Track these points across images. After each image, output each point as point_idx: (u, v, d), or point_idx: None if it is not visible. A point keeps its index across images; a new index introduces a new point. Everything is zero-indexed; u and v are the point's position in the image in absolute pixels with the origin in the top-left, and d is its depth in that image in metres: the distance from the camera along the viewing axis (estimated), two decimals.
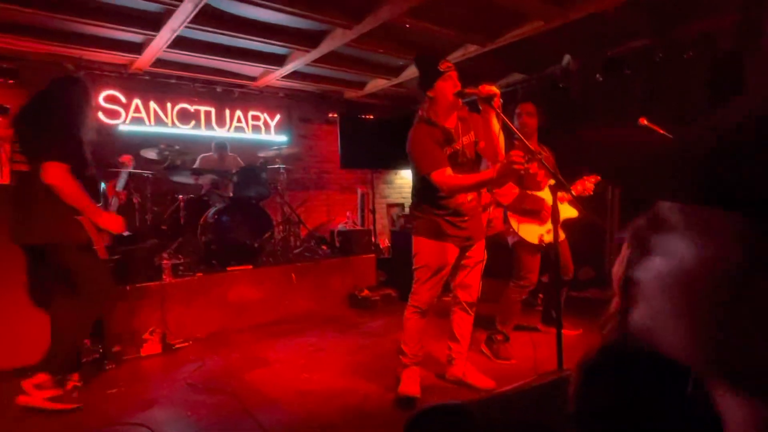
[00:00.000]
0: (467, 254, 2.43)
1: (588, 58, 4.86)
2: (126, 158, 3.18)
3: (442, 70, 2.25)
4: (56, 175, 2.37)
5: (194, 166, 4.74)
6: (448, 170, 2.16)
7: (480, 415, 1.54)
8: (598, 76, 4.74)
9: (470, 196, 2.38)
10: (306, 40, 4.38)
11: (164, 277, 3.61)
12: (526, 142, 2.00)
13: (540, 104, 3.32)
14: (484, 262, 2.50)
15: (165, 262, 3.67)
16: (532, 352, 2.51)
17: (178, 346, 3.46)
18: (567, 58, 5.08)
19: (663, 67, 4.35)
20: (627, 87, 4.51)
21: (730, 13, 3.86)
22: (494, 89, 2.05)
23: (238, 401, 2.49)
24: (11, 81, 4.20)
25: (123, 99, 4.99)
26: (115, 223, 2.59)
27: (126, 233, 3.95)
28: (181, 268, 3.83)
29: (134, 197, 4.20)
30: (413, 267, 2.39)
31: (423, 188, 2.35)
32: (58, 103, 2.55)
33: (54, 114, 2.51)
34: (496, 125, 2.18)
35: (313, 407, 2.39)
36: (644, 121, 3.37)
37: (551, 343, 2.28)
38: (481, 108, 2.13)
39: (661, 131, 3.32)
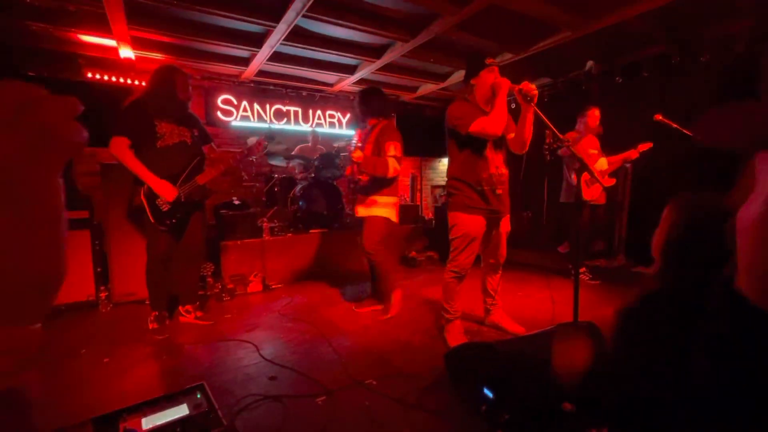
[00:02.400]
0: (496, 226, 2.31)
1: (609, 62, 4.43)
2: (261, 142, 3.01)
3: (487, 63, 2.13)
4: (114, 147, 2.31)
5: (293, 153, 4.79)
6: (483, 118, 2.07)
7: (502, 350, 1.48)
8: (618, 78, 4.31)
9: (501, 169, 2.21)
10: (372, 52, 4.29)
11: (264, 235, 3.76)
12: (555, 131, 1.86)
13: (564, 105, 3.18)
14: (509, 232, 2.38)
15: (264, 224, 3.81)
16: (552, 307, 2.39)
17: (273, 286, 3.62)
18: (590, 63, 4.65)
19: (679, 70, 3.88)
20: (644, 89, 4.08)
21: (745, 17, 3.34)
22: (535, 89, 1.90)
23: (317, 329, 2.57)
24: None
25: (234, 101, 5.16)
26: (166, 191, 2.37)
27: (237, 202, 4.15)
28: (275, 229, 3.97)
29: (243, 175, 4.38)
30: (450, 237, 2.27)
31: (460, 163, 2.20)
32: (144, 88, 2.47)
33: (132, 97, 2.46)
34: (530, 119, 2.03)
35: (372, 338, 2.42)
36: (659, 117, 3.04)
37: (565, 300, 2.25)
38: (520, 103, 1.98)
39: (675, 125, 2.99)
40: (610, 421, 1.02)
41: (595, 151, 3.50)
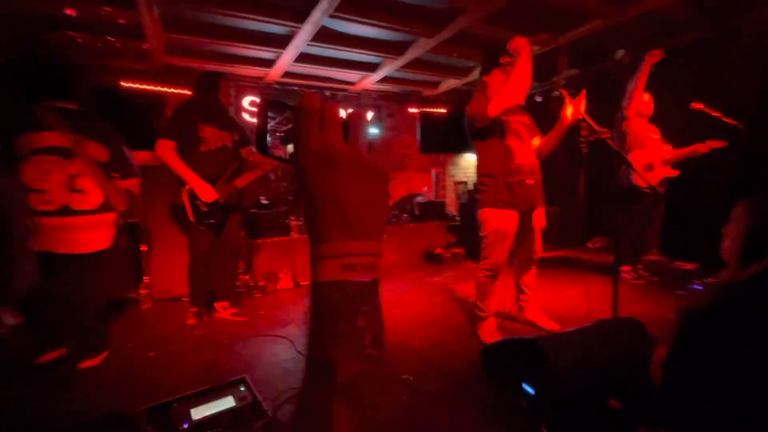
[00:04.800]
0: (530, 220, 2.24)
1: (641, 51, 4.26)
2: None
3: (502, 62, 2.09)
4: (160, 149, 2.42)
5: None
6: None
7: (543, 345, 1.46)
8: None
9: (530, 159, 2.15)
10: (394, 49, 4.28)
11: (292, 233, 3.83)
12: (593, 123, 1.81)
13: (594, 96, 3.04)
14: (544, 227, 2.31)
15: (293, 222, 3.89)
16: (586, 303, 2.33)
17: (303, 283, 3.68)
18: (621, 52, 4.48)
19: (719, 55, 3.69)
20: (679, 78, 3.89)
21: None
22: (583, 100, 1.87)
23: None
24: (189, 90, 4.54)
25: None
26: (207, 192, 2.46)
27: (265, 201, 4.24)
28: (303, 227, 4.03)
29: (271, 174, 4.46)
30: (481, 234, 2.20)
31: (486, 155, 2.15)
32: (190, 94, 2.58)
33: (179, 103, 2.58)
34: (563, 124, 1.99)
35: (404, 336, 2.42)
36: (699, 106, 2.91)
37: (599, 296, 2.15)
38: (566, 102, 1.93)
39: (716, 113, 2.86)
40: (664, 423, 0.99)
41: (657, 136, 3.26)
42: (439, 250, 4.55)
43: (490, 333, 2.24)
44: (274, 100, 0.46)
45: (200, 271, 2.64)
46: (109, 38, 3.64)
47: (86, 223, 1.94)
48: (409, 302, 3.07)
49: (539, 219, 2.27)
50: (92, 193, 1.95)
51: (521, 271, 2.42)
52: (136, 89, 4.08)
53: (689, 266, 3.53)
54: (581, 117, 1.84)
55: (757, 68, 3.40)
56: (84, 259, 1.94)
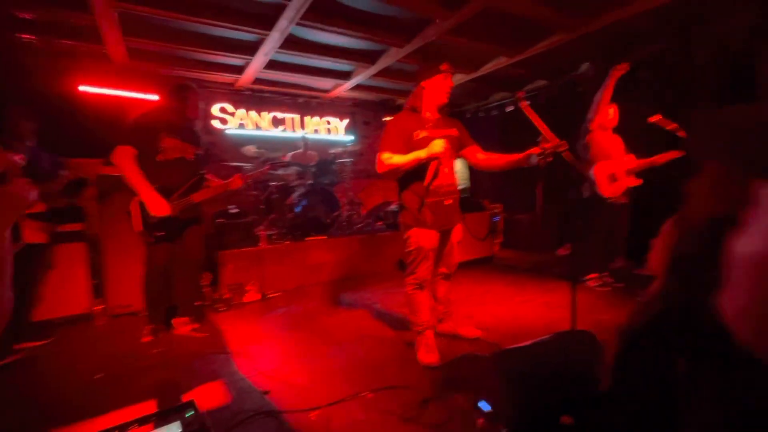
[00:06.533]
0: (448, 236, 2.24)
1: (605, 64, 4.40)
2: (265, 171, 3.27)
3: (442, 69, 2.09)
4: (118, 154, 2.33)
5: (286, 161, 4.71)
6: (387, 154, 2.03)
7: (500, 361, 1.44)
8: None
9: (449, 179, 2.14)
10: (367, 58, 4.28)
11: (261, 243, 3.74)
12: (551, 136, 1.83)
13: (560, 107, 3.10)
14: (460, 242, 2.32)
15: (261, 232, 3.79)
16: (549, 312, 2.35)
17: (271, 295, 3.59)
18: (585, 65, 4.63)
19: (676, 69, 3.85)
20: (641, 90, 4.03)
21: (743, 15, 3.31)
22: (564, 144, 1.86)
23: (313, 339, 2.54)
24: (153, 96, 4.40)
25: (230, 109, 5.16)
26: (156, 206, 2.36)
27: (234, 210, 4.13)
28: (273, 237, 3.95)
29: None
30: (405, 250, 2.18)
31: (407, 175, 2.12)
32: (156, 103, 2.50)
33: (143, 110, 2.52)
34: (521, 163, 2.01)
35: (369, 348, 2.38)
36: (657, 118, 3.01)
37: (563, 306, 2.17)
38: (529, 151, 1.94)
39: (673, 126, 2.95)
40: None
41: (620, 147, 3.32)
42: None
43: (425, 350, 2.15)
44: None
45: (156, 285, 2.53)
46: (66, 41, 3.49)
47: None
48: (379, 314, 3.02)
49: (457, 234, 2.28)
50: None
51: (438, 284, 2.40)
52: (94, 94, 3.91)
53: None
54: (544, 162, 1.86)
55: (712, 81, 3.56)
56: None
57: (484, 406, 1.44)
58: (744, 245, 0.31)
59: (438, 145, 1.97)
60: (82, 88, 3.85)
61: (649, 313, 0.90)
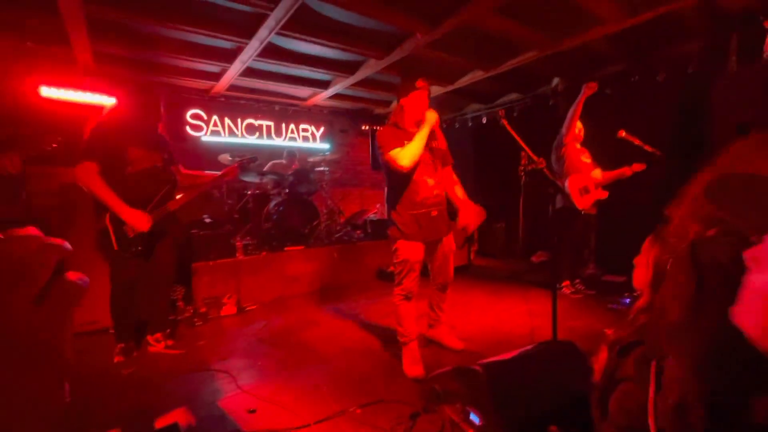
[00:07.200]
0: (436, 248, 2.28)
1: (574, 80, 4.64)
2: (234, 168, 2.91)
3: (418, 86, 2.14)
4: (82, 172, 2.16)
5: (264, 169, 4.62)
6: (395, 149, 2.06)
7: (487, 372, 1.47)
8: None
9: (435, 191, 2.18)
10: (346, 68, 4.30)
11: (237, 254, 3.64)
12: (531, 154, 1.91)
13: (533, 120, 3.22)
14: (453, 251, 2.36)
15: (238, 243, 3.69)
16: (530, 320, 2.42)
17: (248, 308, 3.49)
18: (556, 80, 4.86)
19: (638, 87, 4.11)
20: (607, 105, 4.27)
21: (698, 38, 3.59)
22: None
23: (296, 354, 2.49)
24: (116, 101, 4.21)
25: (204, 116, 5.03)
26: (139, 221, 2.23)
27: (208, 220, 4.00)
28: (249, 247, 3.85)
29: (214, 192, 4.24)
30: (393, 262, 2.22)
31: (393, 189, 2.17)
32: (113, 109, 2.36)
33: (99, 119, 2.34)
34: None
35: (354, 361, 2.36)
36: (623, 134, 3.19)
37: (541, 313, 2.18)
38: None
39: (638, 142, 3.14)
40: None
41: (588, 161, 3.49)
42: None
43: (410, 361, 2.18)
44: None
45: (125, 302, 2.39)
46: (30, 43, 3.30)
47: None
48: (361, 325, 3.01)
49: (449, 244, 2.32)
50: None
51: (435, 294, 2.46)
52: (61, 101, 3.70)
53: (620, 279, 3.83)
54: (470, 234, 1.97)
55: (669, 100, 3.83)
56: None
57: (475, 418, 1.46)
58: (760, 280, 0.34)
59: (432, 115, 2.07)
60: (46, 92, 3.62)
61: (635, 328, 0.95)
